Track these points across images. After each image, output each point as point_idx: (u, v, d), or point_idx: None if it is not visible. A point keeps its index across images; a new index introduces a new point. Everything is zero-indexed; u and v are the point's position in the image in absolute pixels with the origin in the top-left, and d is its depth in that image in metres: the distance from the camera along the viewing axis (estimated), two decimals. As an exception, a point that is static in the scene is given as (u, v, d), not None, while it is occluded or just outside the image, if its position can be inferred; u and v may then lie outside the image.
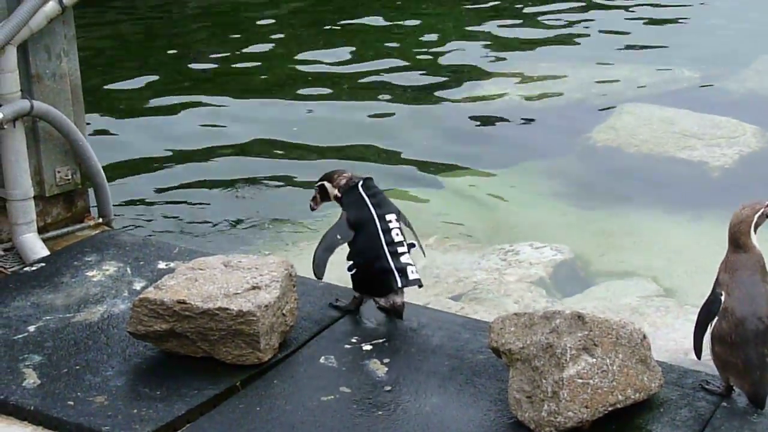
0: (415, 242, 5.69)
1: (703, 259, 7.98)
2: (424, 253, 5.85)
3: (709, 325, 4.85)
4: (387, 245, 5.51)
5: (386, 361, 5.30)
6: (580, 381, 4.61)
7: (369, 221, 5.55)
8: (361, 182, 5.68)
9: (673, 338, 6.67)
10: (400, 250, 5.52)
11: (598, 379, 4.63)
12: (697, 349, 4.92)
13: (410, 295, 5.66)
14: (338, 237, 5.57)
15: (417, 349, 5.39)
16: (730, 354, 4.78)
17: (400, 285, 5.51)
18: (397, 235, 5.55)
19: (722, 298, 4.83)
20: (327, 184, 5.76)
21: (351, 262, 5.59)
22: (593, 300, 7.35)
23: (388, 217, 5.58)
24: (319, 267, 5.56)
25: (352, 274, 5.60)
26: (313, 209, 5.91)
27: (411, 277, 5.51)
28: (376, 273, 5.52)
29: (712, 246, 8.23)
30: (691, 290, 7.44)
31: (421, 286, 5.60)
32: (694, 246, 8.33)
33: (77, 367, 5.27)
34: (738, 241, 4.92)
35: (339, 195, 5.72)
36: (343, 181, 5.71)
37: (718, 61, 12.41)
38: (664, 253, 8.21)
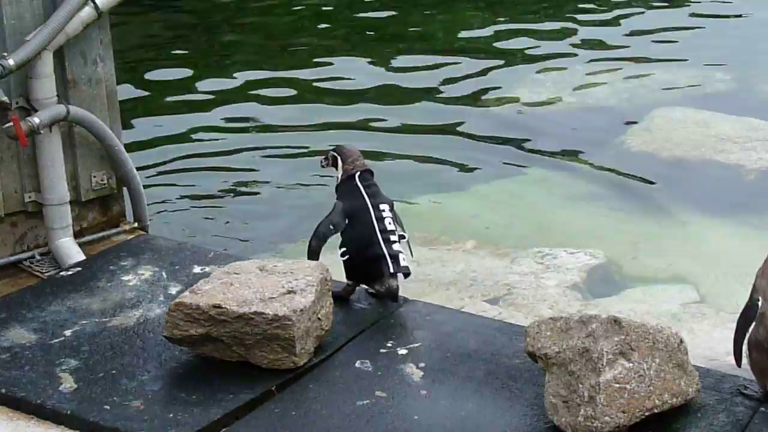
0: (406, 236, 5.90)
1: (740, 264, 7.92)
2: (411, 253, 6.01)
3: (747, 332, 4.81)
4: (381, 232, 5.74)
5: (422, 365, 5.30)
6: (617, 386, 4.59)
7: (364, 210, 5.79)
8: (358, 173, 5.90)
9: (710, 343, 6.63)
10: (392, 238, 5.75)
11: (635, 384, 4.61)
12: (737, 356, 4.89)
13: (446, 299, 5.67)
14: (331, 227, 5.82)
15: (452, 354, 5.39)
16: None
17: (392, 270, 5.68)
18: (390, 224, 5.78)
19: (759, 303, 4.80)
20: (340, 162, 5.99)
21: (344, 249, 5.77)
22: (629, 304, 7.31)
23: (382, 206, 5.82)
24: (312, 255, 5.80)
25: (344, 261, 5.77)
26: (322, 166, 6.13)
27: (402, 263, 5.72)
28: (369, 258, 5.71)
29: (749, 250, 8.18)
30: (728, 295, 7.39)
31: (408, 274, 5.80)
32: (731, 250, 8.27)
33: (113, 372, 5.30)
34: None
35: (339, 181, 5.96)
36: (350, 169, 5.92)
37: (752, 64, 12.32)
38: (700, 258, 8.16)
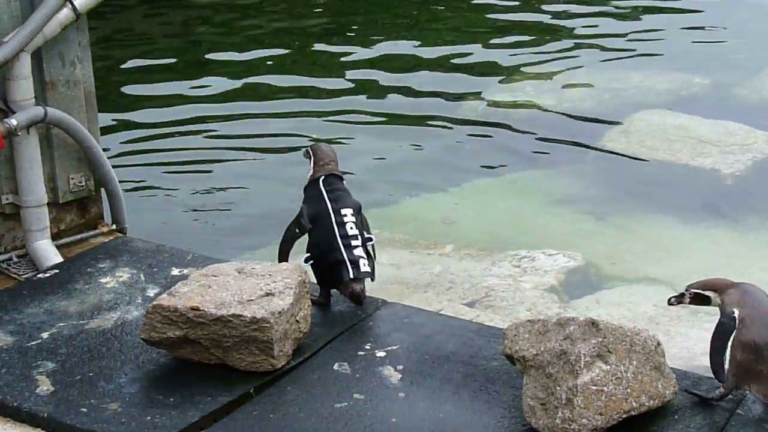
0: (373, 239, 5.90)
1: (718, 267, 7.96)
2: (374, 255, 6.00)
3: (727, 346, 4.83)
4: (341, 237, 5.72)
5: (400, 367, 5.30)
6: (595, 388, 4.60)
7: (325, 215, 5.78)
8: (323, 177, 5.90)
9: (687, 345, 6.65)
10: (353, 243, 5.72)
11: (613, 386, 4.62)
12: (719, 371, 4.89)
13: (424, 302, 5.66)
14: (297, 230, 5.85)
15: (431, 356, 5.39)
16: (755, 360, 4.75)
17: (351, 276, 5.66)
18: (351, 228, 5.76)
19: (736, 313, 4.83)
20: (311, 163, 6.03)
21: (308, 255, 5.79)
22: (606, 307, 7.34)
23: (344, 211, 5.80)
24: (281, 258, 5.85)
25: (311, 266, 5.76)
26: (304, 158, 6.16)
27: (362, 269, 5.69)
28: (329, 264, 5.69)
29: (726, 253, 8.25)
30: (705, 297, 7.41)
31: (372, 279, 5.79)
32: (708, 253, 8.31)
33: (90, 374, 5.28)
34: None
35: (306, 183, 5.99)
36: (317, 171, 5.96)
37: (730, 68, 12.37)
38: (677, 261, 8.19)
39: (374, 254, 5.97)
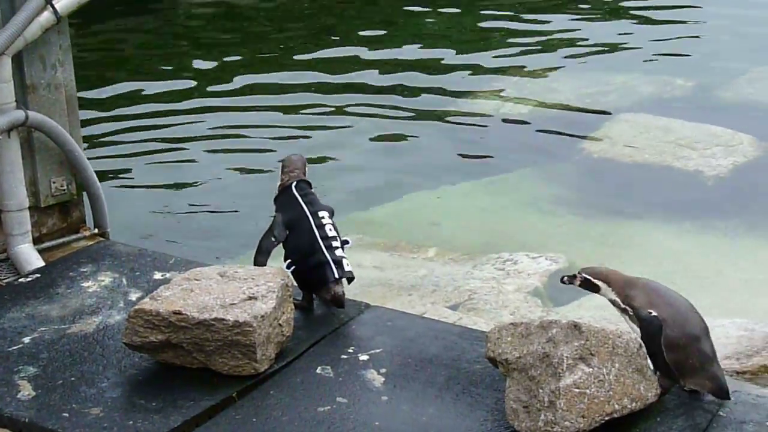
0: (349, 241, 5.90)
1: (699, 269, 8.00)
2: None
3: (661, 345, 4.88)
4: (322, 239, 5.73)
5: (383, 371, 5.29)
6: (577, 390, 4.60)
7: (302, 219, 5.78)
8: (294, 183, 5.91)
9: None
10: (334, 244, 5.74)
11: (595, 389, 4.63)
12: (668, 373, 4.91)
13: (408, 305, 5.66)
14: (273, 239, 5.82)
15: (414, 359, 5.39)
16: (685, 356, 4.82)
17: (336, 276, 5.67)
18: (330, 230, 5.78)
19: (653, 313, 4.90)
20: (281, 171, 6.06)
21: (288, 261, 5.76)
22: (589, 310, 7.34)
23: (321, 213, 5.82)
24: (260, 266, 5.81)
25: (291, 272, 5.72)
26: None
27: (346, 269, 5.71)
28: (312, 266, 5.69)
29: (709, 255, 8.27)
30: (687, 298, 7.42)
31: (352, 279, 5.79)
32: (690, 255, 8.33)
33: (72, 379, 5.26)
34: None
35: (277, 193, 5.99)
36: (286, 180, 5.97)
37: (712, 71, 12.42)
38: (659, 263, 8.20)
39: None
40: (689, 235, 8.65)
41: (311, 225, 5.75)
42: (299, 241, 5.76)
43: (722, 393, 4.90)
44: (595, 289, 5.14)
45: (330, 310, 5.81)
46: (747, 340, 6.62)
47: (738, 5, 15.03)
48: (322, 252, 5.69)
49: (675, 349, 4.86)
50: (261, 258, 5.81)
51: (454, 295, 7.56)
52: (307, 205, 5.82)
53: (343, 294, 5.73)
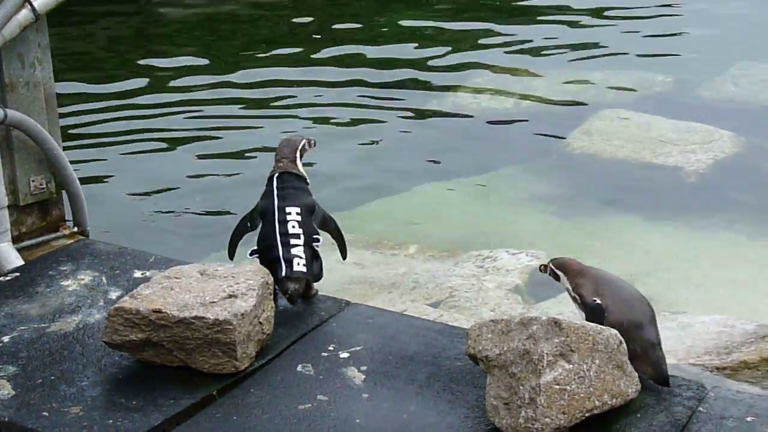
0: (320, 239, 5.86)
1: (680, 264, 8.02)
2: (343, 256, 6.07)
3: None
4: (280, 235, 5.73)
5: (363, 368, 5.29)
6: (557, 387, 4.61)
7: (270, 211, 5.81)
8: (277, 175, 5.93)
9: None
10: (293, 241, 5.72)
11: (575, 385, 4.63)
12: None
13: (388, 302, 5.65)
14: (248, 224, 5.91)
15: (394, 357, 5.38)
16: (628, 341, 4.88)
17: (284, 274, 5.66)
18: (294, 227, 5.76)
19: (597, 301, 5.08)
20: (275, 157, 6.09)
21: (253, 249, 5.83)
22: (570, 306, 7.34)
23: (289, 209, 5.80)
24: (229, 248, 5.97)
25: (258, 259, 5.79)
26: None
27: (296, 268, 5.69)
28: (268, 260, 5.71)
29: (689, 250, 8.29)
30: (668, 295, 7.46)
31: (310, 278, 5.77)
32: (671, 251, 8.35)
33: (52, 378, 5.25)
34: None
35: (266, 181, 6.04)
36: (273, 169, 5.99)
37: (692, 67, 12.46)
38: (640, 258, 8.23)
39: (346, 253, 6.05)
40: (669, 231, 8.67)
41: (275, 219, 5.77)
42: (263, 232, 5.81)
43: (662, 379, 5.00)
44: (557, 278, 5.32)
45: (310, 308, 5.80)
46: (727, 336, 6.64)
47: (718, 1, 15.10)
48: (277, 248, 5.70)
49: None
50: (234, 238, 5.94)
51: (435, 293, 7.56)
52: (278, 199, 5.83)
53: (296, 291, 5.70)
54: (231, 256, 5.99)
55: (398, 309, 6.86)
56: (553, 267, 5.32)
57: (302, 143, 6.08)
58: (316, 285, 5.88)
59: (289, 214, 5.79)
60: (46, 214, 7.01)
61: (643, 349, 4.97)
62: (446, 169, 10.04)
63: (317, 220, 5.90)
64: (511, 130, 10.95)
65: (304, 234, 5.76)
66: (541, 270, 5.41)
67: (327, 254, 6.02)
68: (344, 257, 6.08)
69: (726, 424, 4.79)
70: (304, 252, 5.72)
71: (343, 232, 6.03)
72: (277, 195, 5.85)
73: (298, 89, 12.11)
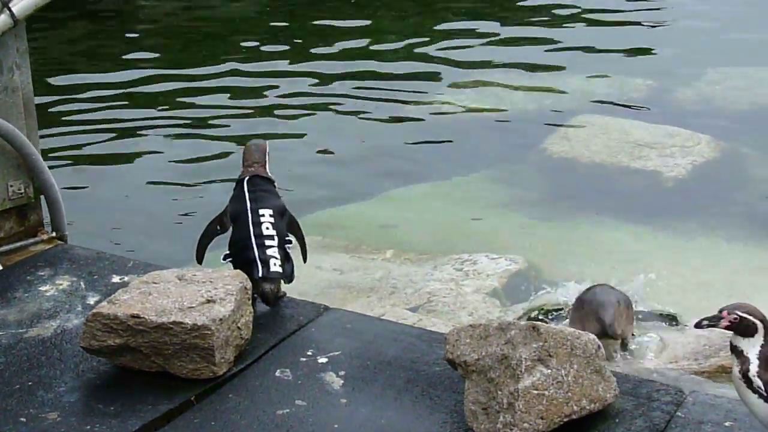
0: (294, 240, 5.93)
1: (660, 270, 8.03)
2: (304, 259, 6.08)
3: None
4: (255, 237, 5.74)
5: (342, 373, 5.29)
6: (536, 392, 4.61)
7: (243, 213, 5.83)
8: (247, 178, 5.95)
9: (628, 348, 6.70)
10: (267, 243, 5.74)
11: (554, 390, 4.64)
12: None
13: (367, 307, 5.65)
14: (218, 227, 5.93)
15: (373, 362, 5.39)
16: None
17: (261, 275, 5.68)
18: (268, 229, 5.78)
19: None
20: (242, 162, 6.12)
21: (226, 253, 5.84)
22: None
23: (262, 211, 5.83)
24: (197, 252, 5.98)
25: (230, 263, 5.80)
26: None
27: (272, 269, 5.71)
28: (243, 262, 5.72)
29: (668, 256, 8.32)
30: (646, 299, 7.48)
31: (285, 279, 5.80)
32: (650, 256, 8.36)
33: (30, 383, 5.23)
34: None
35: (235, 184, 6.05)
36: (242, 173, 6.02)
37: (671, 72, 12.50)
38: (619, 263, 8.24)
39: (305, 257, 6.07)
40: (648, 236, 8.69)
41: (249, 221, 5.78)
42: (237, 235, 5.81)
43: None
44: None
45: (289, 313, 5.80)
46: (705, 340, 6.66)
47: (697, 4, 15.16)
48: (252, 249, 5.71)
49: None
50: (203, 240, 5.95)
51: (414, 297, 7.56)
52: (251, 201, 5.85)
53: (272, 291, 5.73)
54: (200, 259, 5.99)
55: (377, 313, 6.86)
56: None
57: (267, 147, 6.12)
58: (286, 286, 5.90)
59: (263, 216, 5.81)
60: (24, 219, 6.98)
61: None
62: (424, 173, 10.04)
63: (290, 226, 5.93)
64: (490, 134, 10.96)
65: (277, 235, 5.79)
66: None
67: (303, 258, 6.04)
68: (305, 260, 6.10)
69: (704, 428, 4.81)
70: (279, 253, 5.75)
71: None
72: (249, 198, 5.87)
73: (274, 93, 12.11)
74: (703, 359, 6.51)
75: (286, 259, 5.80)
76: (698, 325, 4.60)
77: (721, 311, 4.56)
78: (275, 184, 6.02)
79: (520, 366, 4.64)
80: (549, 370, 4.66)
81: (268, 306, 5.78)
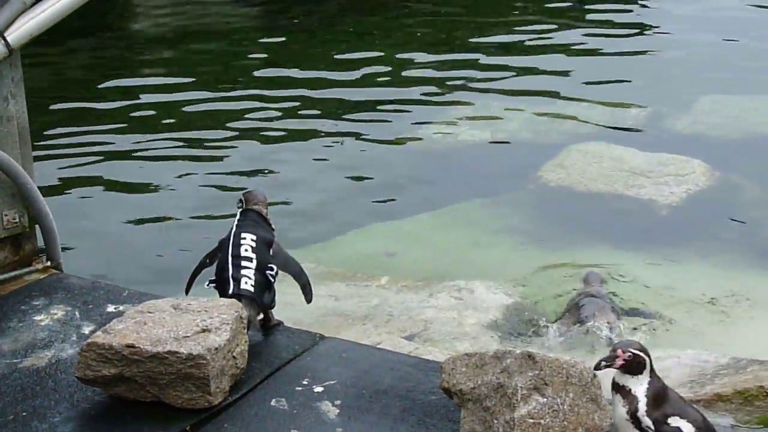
0: (274, 269, 5.89)
1: (653, 296, 8.03)
2: (307, 299, 6.05)
3: None
4: (232, 257, 5.79)
5: (337, 402, 5.28)
6: (531, 421, 4.60)
7: (227, 239, 5.89)
8: (243, 209, 6.03)
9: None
10: (244, 264, 5.78)
11: (549, 419, 4.63)
12: None
13: (363, 335, 5.64)
14: (207, 260, 6.00)
15: (368, 391, 5.37)
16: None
17: (231, 291, 5.69)
18: (246, 251, 5.82)
19: None
20: (243, 206, 6.15)
21: (211, 278, 5.88)
22: (543, 338, 7.37)
23: (244, 235, 5.88)
24: (187, 283, 6.05)
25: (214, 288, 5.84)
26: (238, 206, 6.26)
27: (242, 286, 5.73)
28: (218, 281, 5.79)
29: (662, 282, 8.31)
30: (641, 329, 7.48)
31: (258, 303, 5.76)
32: (644, 283, 8.36)
33: (24, 414, 5.21)
34: None
35: None
36: (239, 210, 6.09)
37: (665, 101, 12.53)
38: (614, 290, 8.24)
39: (310, 293, 6.04)
40: (644, 263, 8.69)
41: (229, 243, 5.84)
42: (219, 261, 5.87)
43: None
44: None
45: (284, 342, 5.79)
46: (700, 369, 6.65)
47: (690, 33, 15.21)
48: (228, 268, 5.75)
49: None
50: (194, 272, 6.02)
51: (410, 325, 7.56)
52: (236, 227, 5.91)
53: (245, 315, 5.64)
54: (186, 290, 6.04)
55: (373, 341, 6.85)
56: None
57: (267, 198, 6.19)
58: (283, 315, 5.89)
59: (244, 239, 5.85)
60: (18, 248, 6.97)
61: None
62: (420, 200, 10.05)
63: (278, 260, 5.93)
64: (487, 162, 10.98)
65: (257, 259, 5.79)
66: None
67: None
68: (308, 301, 6.07)
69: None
70: (255, 275, 5.75)
71: (308, 277, 6.04)
72: (237, 224, 5.93)
73: (273, 120, 12.13)
74: (698, 387, 6.48)
75: (266, 286, 5.79)
76: (597, 367, 4.59)
77: (614, 349, 4.55)
78: (271, 224, 6.03)
79: (515, 395, 4.63)
80: (545, 399, 4.65)
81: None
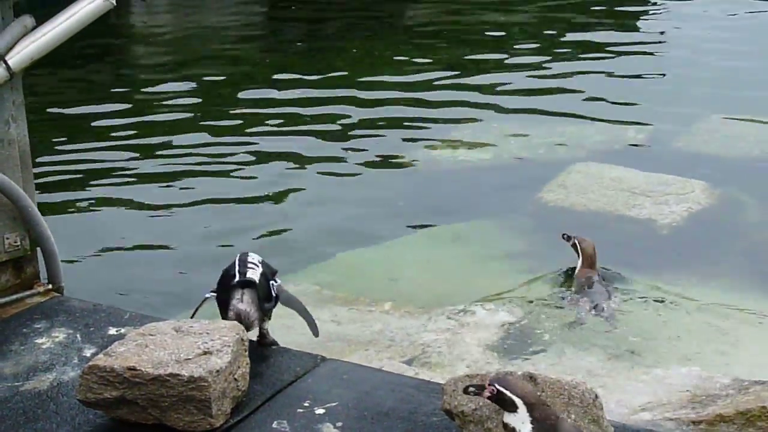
0: (303, 317, 6.07)
1: (654, 318, 8.02)
2: (314, 333, 6.15)
3: None
4: (239, 265, 5.87)
5: (339, 424, 5.27)
6: (533, 442, 4.59)
7: (232, 263, 5.93)
8: (239, 255, 6.03)
9: (625, 398, 6.68)
10: (249, 266, 5.88)
11: (551, 440, 4.62)
12: None
13: (365, 360, 5.61)
14: (212, 292, 5.97)
15: (370, 412, 5.37)
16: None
17: (237, 280, 5.76)
18: (252, 260, 5.93)
19: None
20: None
21: (212, 289, 5.94)
22: (544, 360, 7.36)
23: (250, 254, 5.98)
24: (193, 312, 6.06)
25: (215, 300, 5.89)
26: None
27: (248, 275, 5.81)
28: (224, 287, 5.83)
29: (663, 305, 8.30)
30: (642, 350, 7.48)
31: (264, 310, 5.83)
32: (645, 305, 8.35)
33: (26, 437, 5.22)
34: None
35: None
36: None
37: (665, 120, 12.55)
38: (615, 313, 8.22)
39: (314, 329, 6.15)
40: (644, 285, 8.67)
41: (235, 260, 5.92)
42: (223, 275, 5.91)
43: None
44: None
45: (286, 363, 5.79)
46: (701, 390, 6.65)
47: (691, 51, 15.25)
48: (233, 268, 5.85)
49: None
50: (199, 306, 6.03)
51: (411, 349, 7.54)
52: (240, 254, 5.99)
53: (246, 312, 5.74)
54: (192, 314, 6.06)
55: (375, 365, 6.84)
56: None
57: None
58: (290, 342, 5.90)
59: (249, 255, 5.96)
60: (20, 271, 6.98)
61: None
62: (422, 223, 10.05)
63: (282, 297, 6.00)
64: (487, 183, 10.99)
65: (262, 270, 5.89)
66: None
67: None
68: (315, 335, 6.14)
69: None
70: (260, 277, 5.83)
71: (309, 313, 6.13)
72: (240, 254, 6.01)
73: (274, 139, 12.16)
74: (701, 408, 6.48)
75: (268, 291, 5.88)
76: (465, 391, 4.47)
77: (490, 381, 4.37)
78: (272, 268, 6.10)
79: (517, 416, 4.62)
80: (546, 420, 4.64)
81: (246, 330, 5.73)
